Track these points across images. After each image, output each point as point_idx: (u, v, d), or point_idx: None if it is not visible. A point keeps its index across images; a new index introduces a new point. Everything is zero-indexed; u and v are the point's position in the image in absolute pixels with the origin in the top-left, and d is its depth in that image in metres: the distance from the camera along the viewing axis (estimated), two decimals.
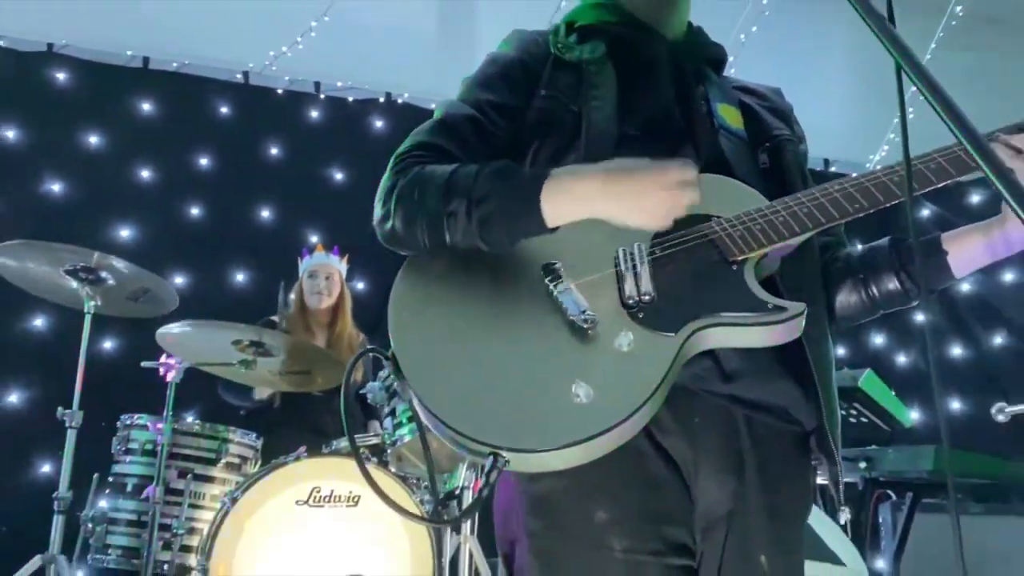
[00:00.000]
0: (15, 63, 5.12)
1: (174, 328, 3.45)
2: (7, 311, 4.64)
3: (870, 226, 1.34)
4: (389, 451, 3.20)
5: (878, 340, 6.04)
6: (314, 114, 5.62)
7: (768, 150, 1.50)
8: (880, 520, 3.88)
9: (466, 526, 3.30)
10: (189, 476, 3.48)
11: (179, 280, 4.96)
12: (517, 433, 1.16)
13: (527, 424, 1.17)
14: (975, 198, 5.89)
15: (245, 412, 4.17)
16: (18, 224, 4.54)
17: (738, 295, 1.25)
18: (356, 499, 3.10)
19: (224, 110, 5.46)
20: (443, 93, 1.48)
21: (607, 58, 1.47)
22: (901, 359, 6.02)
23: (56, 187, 5.01)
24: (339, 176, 5.57)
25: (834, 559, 3.18)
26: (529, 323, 1.26)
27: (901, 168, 1.31)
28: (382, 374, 3.34)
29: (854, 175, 1.35)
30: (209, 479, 3.55)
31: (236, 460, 3.63)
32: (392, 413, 3.19)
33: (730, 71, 1.65)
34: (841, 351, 5.76)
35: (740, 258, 1.28)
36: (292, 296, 4.43)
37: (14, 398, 4.65)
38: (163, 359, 3.56)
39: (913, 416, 4.07)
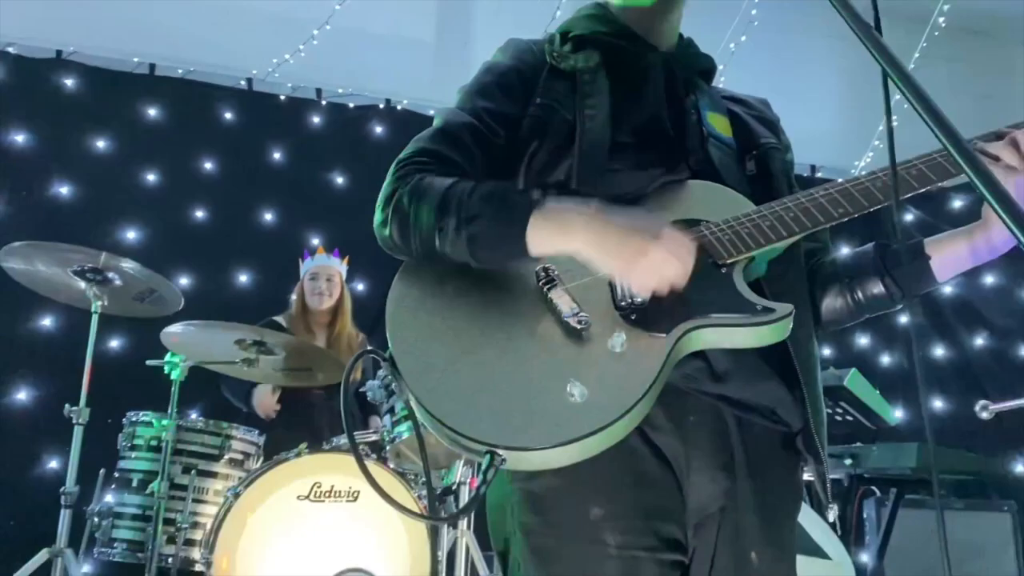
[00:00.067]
0: (25, 69, 5.11)
1: (178, 328, 3.45)
2: (17, 311, 4.63)
3: (855, 231, 1.35)
4: (388, 448, 3.20)
5: (863, 341, 6.05)
6: (316, 120, 5.62)
7: (755, 157, 1.50)
8: (865, 515, 3.89)
9: (463, 521, 3.31)
10: (193, 472, 3.48)
11: (184, 281, 4.95)
12: (513, 432, 1.16)
13: (523, 423, 1.17)
14: (957, 203, 5.90)
15: (248, 410, 4.17)
16: (27, 226, 4.53)
17: (727, 297, 1.26)
18: (356, 494, 3.10)
19: (228, 115, 5.46)
20: (441, 100, 1.49)
21: (601, 67, 1.47)
22: (885, 359, 6.03)
23: (64, 190, 5.00)
24: (340, 180, 5.57)
25: (820, 553, 3.18)
26: (524, 324, 1.26)
27: (884, 174, 1.32)
28: (381, 372, 3.33)
29: (839, 180, 1.35)
30: (212, 474, 3.55)
31: (239, 456, 3.63)
32: (391, 411, 3.19)
33: (720, 79, 1.66)
34: (827, 351, 5.77)
35: (729, 261, 1.28)
36: (293, 297, 4.43)
37: (23, 395, 4.64)
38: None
39: (897, 414, 4.08)
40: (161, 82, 5.37)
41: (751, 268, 1.32)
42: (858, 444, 3.65)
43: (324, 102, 5.67)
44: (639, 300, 1.25)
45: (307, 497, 3.07)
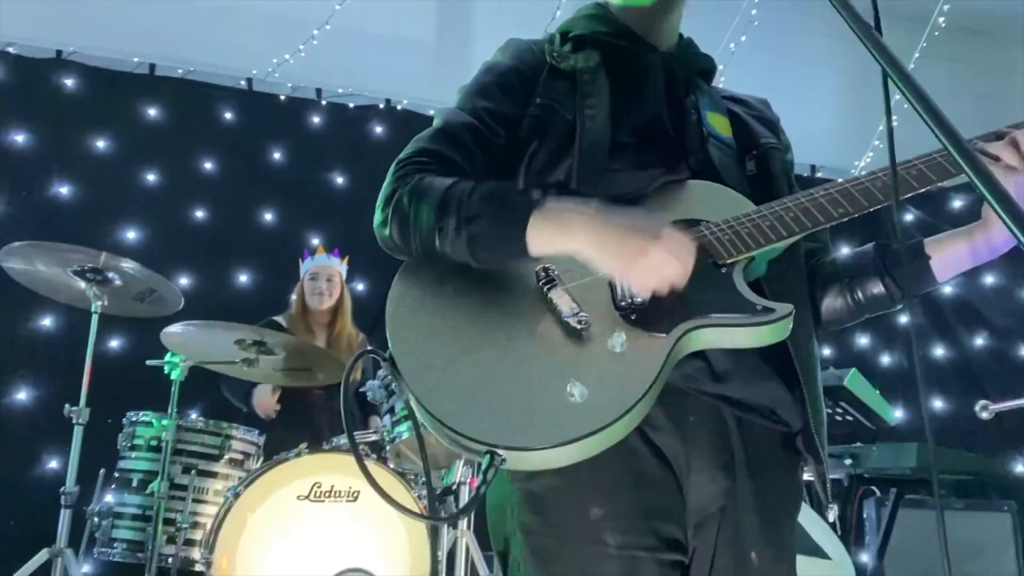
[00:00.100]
0: (25, 69, 5.11)
1: (178, 327, 3.44)
2: (17, 311, 4.62)
3: (855, 231, 1.35)
4: (388, 448, 3.20)
5: (863, 341, 6.04)
6: (316, 120, 5.62)
7: (755, 157, 1.50)
8: (865, 515, 3.89)
9: (463, 521, 3.30)
10: (193, 472, 3.48)
11: (184, 281, 4.95)
12: (514, 432, 1.16)
13: (523, 423, 1.16)
14: (957, 203, 5.90)
15: (248, 410, 4.17)
16: (28, 226, 4.53)
17: (727, 297, 1.25)
18: (356, 494, 3.09)
19: (228, 116, 5.46)
20: (441, 100, 1.49)
21: (601, 67, 1.47)
22: (885, 359, 6.02)
23: (64, 190, 4.99)
24: (340, 180, 5.57)
25: (820, 553, 3.18)
26: (524, 324, 1.25)
27: (884, 174, 1.32)
28: (381, 372, 3.33)
29: (839, 180, 1.35)
30: (212, 474, 3.55)
31: (239, 456, 3.63)
32: (391, 411, 3.18)
33: (720, 79, 1.65)
34: (827, 351, 5.77)
35: (729, 261, 1.28)
36: (293, 297, 4.43)
37: (23, 395, 4.63)
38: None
39: (897, 414, 4.07)
40: (161, 82, 5.37)
41: (751, 268, 1.32)
42: (858, 444, 3.65)
43: (324, 102, 5.67)
44: (639, 300, 1.24)
45: (307, 497, 3.07)
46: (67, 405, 3.34)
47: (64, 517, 3.25)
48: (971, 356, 5.90)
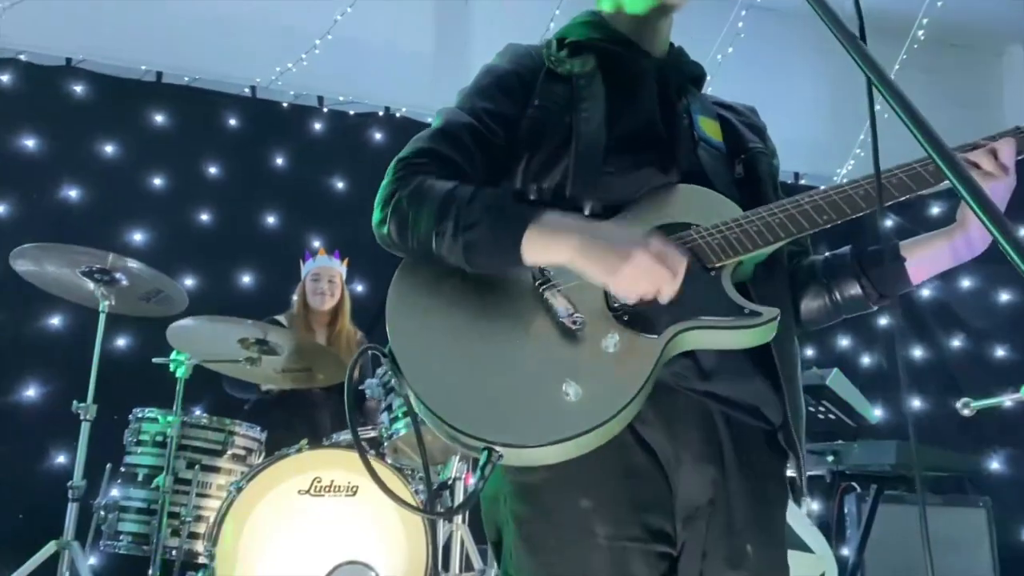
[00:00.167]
0: (36, 76, 5.09)
1: (184, 322, 3.44)
2: (26, 310, 4.61)
3: (835, 230, 1.35)
4: (386, 444, 3.20)
5: (844, 342, 6.06)
6: (317, 126, 5.61)
7: (744, 162, 1.50)
8: (846, 511, 3.89)
9: (458, 515, 3.30)
10: (197, 467, 3.47)
11: (189, 281, 4.93)
12: (511, 429, 1.16)
13: (520, 421, 1.16)
14: (935, 209, 5.91)
15: (249, 406, 4.16)
16: (38, 228, 4.50)
17: (716, 300, 1.26)
18: (355, 489, 3.09)
19: (233, 122, 5.44)
20: (439, 108, 1.48)
21: (597, 72, 1.47)
22: (865, 360, 6.04)
23: (73, 193, 4.98)
24: (340, 185, 5.56)
25: (803, 546, 3.19)
26: (521, 323, 1.25)
27: (866, 182, 1.33)
28: (380, 371, 3.33)
29: (822, 188, 1.36)
30: (216, 469, 3.53)
31: (241, 452, 3.62)
32: (388, 408, 3.18)
33: (708, 89, 1.66)
34: (810, 352, 5.78)
35: (718, 265, 1.29)
36: (295, 297, 4.43)
37: (32, 392, 4.62)
38: None
39: (876, 413, 4.07)
40: (168, 89, 5.35)
41: (739, 271, 1.33)
42: (840, 441, 3.64)
43: (325, 109, 5.66)
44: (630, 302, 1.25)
45: (307, 492, 3.06)
46: (75, 402, 3.34)
47: (71, 510, 3.25)
48: (948, 357, 5.91)
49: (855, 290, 1.47)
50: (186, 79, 5.40)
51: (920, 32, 5.56)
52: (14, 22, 4.90)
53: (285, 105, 5.58)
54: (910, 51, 5.51)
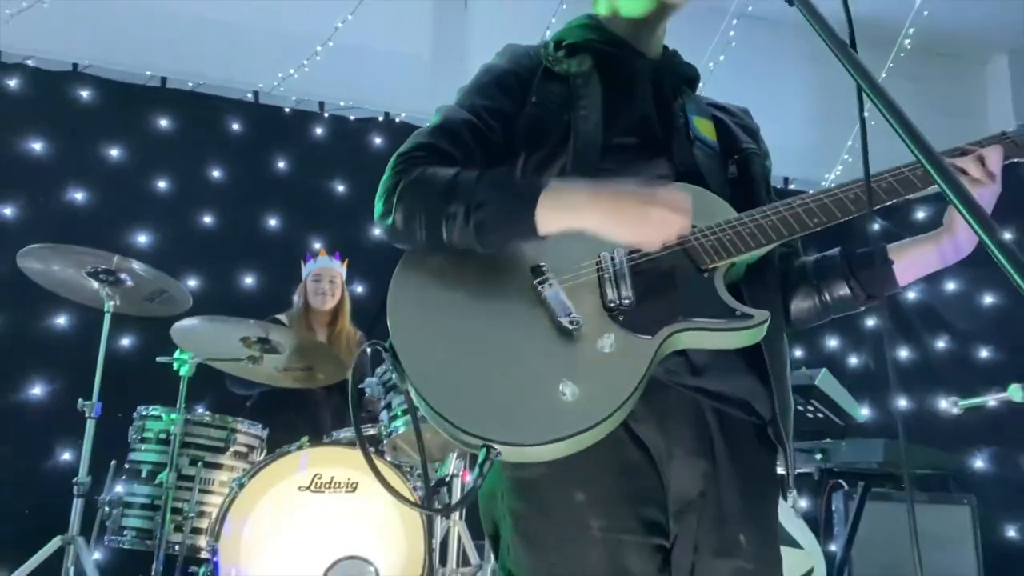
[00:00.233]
0: (43, 81, 5.09)
1: (188, 322, 3.43)
2: (33, 310, 4.60)
3: (827, 236, 1.36)
4: (385, 441, 3.19)
5: (832, 343, 6.06)
6: (318, 131, 5.61)
7: (737, 162, 1.51)
8: (834, 508, 3.89)
9: (456, 512, 3.29)
10: (200, 463, 3.46)
11: (192, 282, 4.93)
12: (509, 427, 1.15)
13: (518, 419, 1.16)
14: (921, 214, 5.92)
15: (251, 402, 4.16)
16: (44, 229, 4.49)
17: (709, 302, 1.26)
18: (354, 485, 3.08)
19: (235, 127, 5.44)
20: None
21: (593, 71, 1.47)
22: (853, 360, 6.04)
23: (79, 196, 4.97)
24: (340, 188, 5.56)
25: (792, 542, 3.19)
26: (519, 322, 1.25)
27: (855, 186, 1.33)
28: (380, 370, 3.33)
29: (812, 192, 1.36)
30: (218, 466, 3.52)
31: (243, 449, 3.61)
32: (388, 406, 3.18)
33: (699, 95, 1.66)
34: (799, 352, 5.78)
35: (711, 266, 1.29)
36: (296, 297, 4.42)
37: (38, 390, 4.60)
38: None
39: (864, 412, 4.08)
40: (172, 95, 5.35)
41: (731, 271, 1.33)
42: (828, 440, 3.65)
43: (326, 114, 5.66)
44: (627, 301, 1.25)
45: (308, 488, 3.05)
46: (80, 399, 3.33)
47: (76, 506, 3.24)
48: (933, 357, 5.92)
49: (844, 291, 1.48)
50: (190, 84, 5.40)
51: (907, 41, 5.57)
52: (21, 28, 4.89)
53: (287, 110, 5.58)
54: (896, 60, 5.53)
